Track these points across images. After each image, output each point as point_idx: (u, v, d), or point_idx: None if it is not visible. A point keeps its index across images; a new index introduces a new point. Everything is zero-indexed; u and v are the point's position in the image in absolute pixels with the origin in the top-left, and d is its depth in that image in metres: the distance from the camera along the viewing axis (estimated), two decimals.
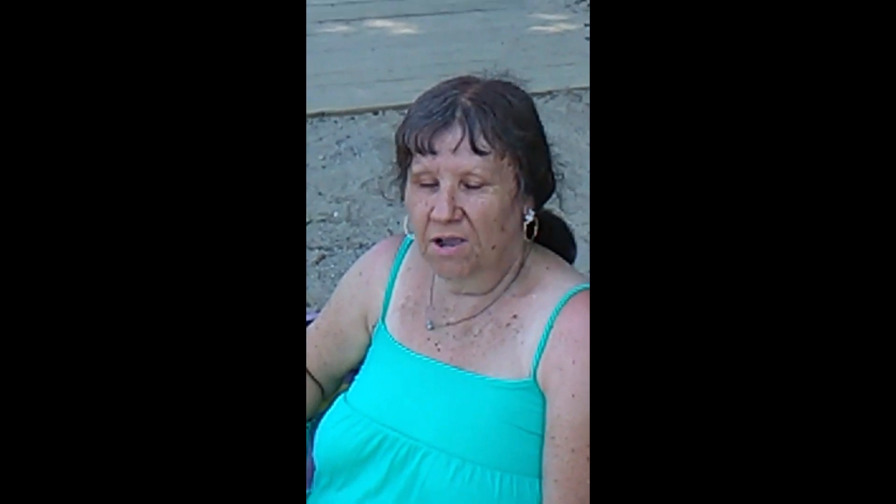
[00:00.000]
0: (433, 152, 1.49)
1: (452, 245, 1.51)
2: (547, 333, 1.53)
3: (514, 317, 1.57)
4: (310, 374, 1.75)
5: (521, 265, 1.59)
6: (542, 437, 1.53)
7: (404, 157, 1.54)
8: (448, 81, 1.56)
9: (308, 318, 1.87)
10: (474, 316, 1.59)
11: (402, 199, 1.58)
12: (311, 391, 1.75)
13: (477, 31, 6.23)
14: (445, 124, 1.49)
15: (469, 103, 1.50)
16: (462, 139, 1.48)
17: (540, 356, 1.53)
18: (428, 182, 1.51)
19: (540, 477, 1.54)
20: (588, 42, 5.45)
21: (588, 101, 5.00)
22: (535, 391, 1.54)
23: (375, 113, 4.91)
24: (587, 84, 4.89)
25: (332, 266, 3.58)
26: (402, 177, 1.56)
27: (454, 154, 1.49)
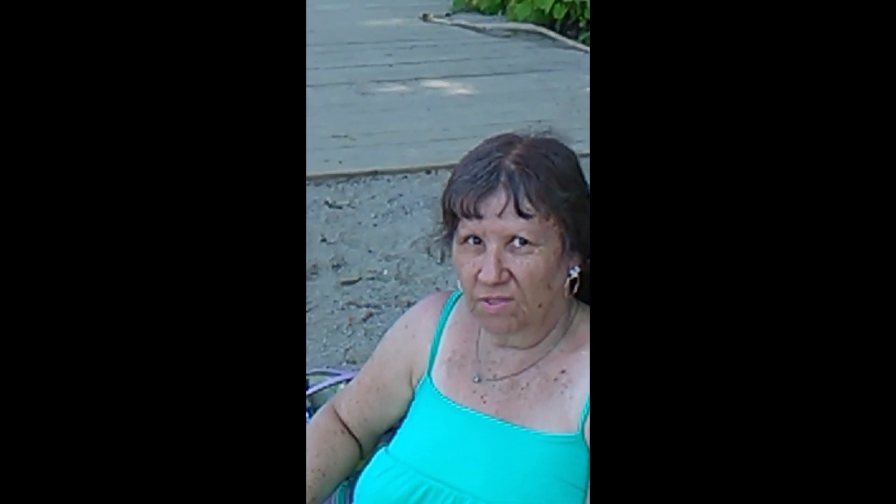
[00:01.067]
0: (479, 216, 1.50)
1: (500, 302, 1.52)
2: None
3: (563, 372, 1.57)
4: (349, 430, 1.74)
5: (570, 321, 1.60)
6: (587, 492, 1.52)
7: (451, 218, 1.55)
8: (491, 141, 1.57)
9: (351, 375, 1.87)
10: (522, 371, 1.59)
11: (442, 259, 1.61)
12: (349, 449, 1.74)
13: (532, 92, 6.26)
14: (490, 189, 1.50)
15: (513, 167, 1.51)
16: (507, 203, 1.49)
17: (588, 411, 1.52)
18: (474, 244, 1.52)
19: None
20: None
21: None
22: (581, 446, 1.53)
23: (428, 172, 4.93)
24: None
25: (380, 324, 3.57)
26: (449, 236, 1.57)
27: (500, 218, 1.49)
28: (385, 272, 4.01)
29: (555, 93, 6.19)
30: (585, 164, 1.56)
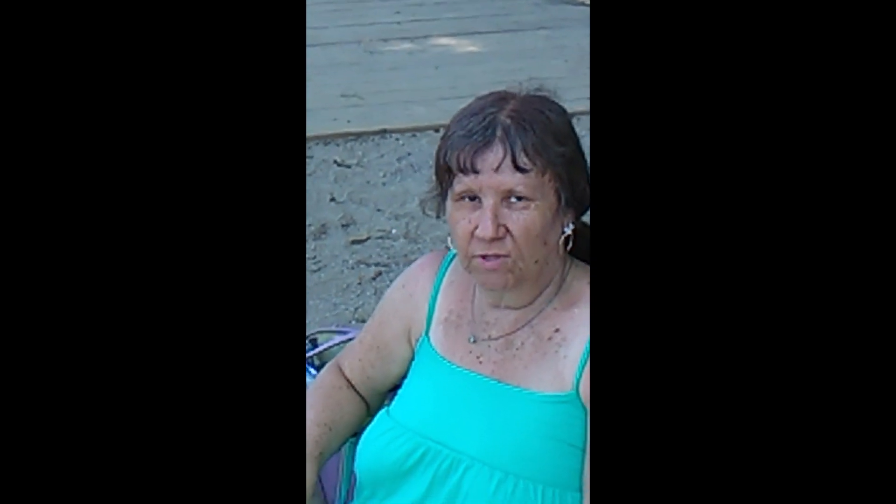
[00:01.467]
0: (475, 171, 1.50)
1: (496, 259, 1.52)
2: (590, 347, 1.52)
3: (557, 331, 1.57)
4: (354, 388, 1.76)
5: (563, 279, 1.60)
6: (584, 450, 1.53)
7: (445, 175, 1.55)
8: (484, 98, 1.57)
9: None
10: (516, 330, 1.59)
11: (438, 215, 1.61)
12: (355, 404, 1.75)
13: (541, 49, 6.21)
14: (486, 143, 1.50)
15: (508, 121, 1.50)
16: (504, 158, 1.49)
17: (582, 370, 1.53)
18: (470, 201, 1.52)
19: (581, 490, 1.53)
20: None
21: None
22: (577, 405, 1.54)
23: (437, 130, 4.91)
24: None
25: (389, 283, 3.56)
26: (443, 194, 1.57)
27: (496, 172, 1.49)
28: (394, 231, 4.01)
29: (564, 50, 6.14)
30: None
